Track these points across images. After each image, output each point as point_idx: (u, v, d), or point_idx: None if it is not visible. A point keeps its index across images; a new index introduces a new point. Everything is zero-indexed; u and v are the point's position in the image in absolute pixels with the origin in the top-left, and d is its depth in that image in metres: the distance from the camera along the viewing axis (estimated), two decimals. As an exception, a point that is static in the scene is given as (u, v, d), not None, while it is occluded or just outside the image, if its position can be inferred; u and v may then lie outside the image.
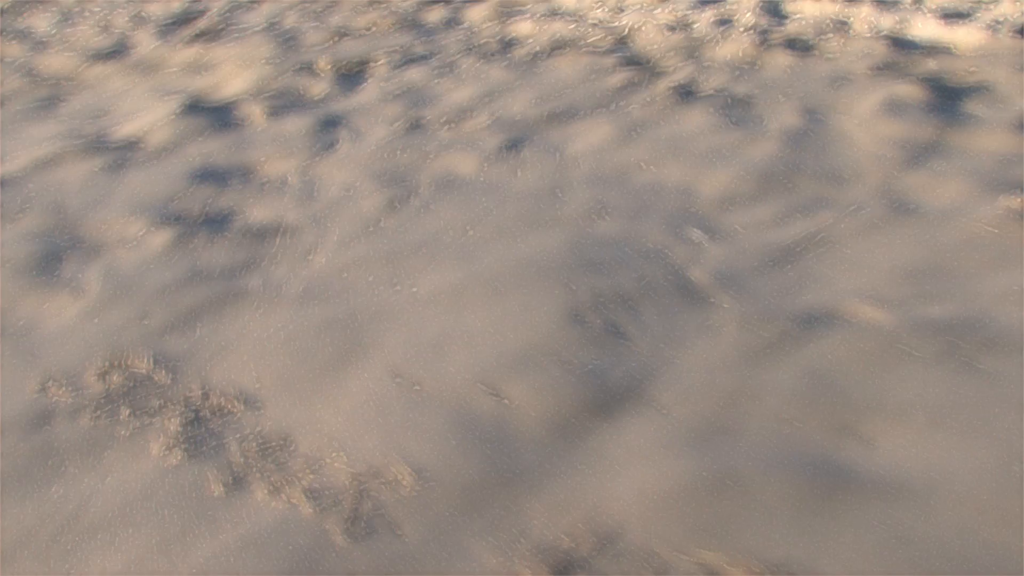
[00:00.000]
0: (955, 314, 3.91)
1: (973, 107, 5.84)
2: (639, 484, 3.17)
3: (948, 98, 6.00)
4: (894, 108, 5.85)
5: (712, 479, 3.15)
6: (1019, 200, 4.64)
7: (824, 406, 3.45)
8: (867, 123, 5.73)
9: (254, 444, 3.52)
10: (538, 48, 7.79)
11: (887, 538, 2.88)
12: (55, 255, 4.89)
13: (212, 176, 5.73)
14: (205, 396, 3.82)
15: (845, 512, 3.01)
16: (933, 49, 6.96)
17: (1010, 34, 6.92)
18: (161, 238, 5.00)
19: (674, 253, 4.53)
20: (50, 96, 7.18)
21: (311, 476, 3.34)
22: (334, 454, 3.44)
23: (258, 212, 5.27)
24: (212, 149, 6.10)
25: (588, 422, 3.49)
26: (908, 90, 6.07)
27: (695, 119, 6.04)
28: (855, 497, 3.05)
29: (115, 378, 3.95)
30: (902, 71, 6.53)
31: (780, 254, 4.47)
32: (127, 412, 3.76)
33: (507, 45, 8.01)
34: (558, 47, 7.79)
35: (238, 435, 3.58)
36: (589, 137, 5.96)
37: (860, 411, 3.42)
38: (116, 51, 8.29)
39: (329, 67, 7.44)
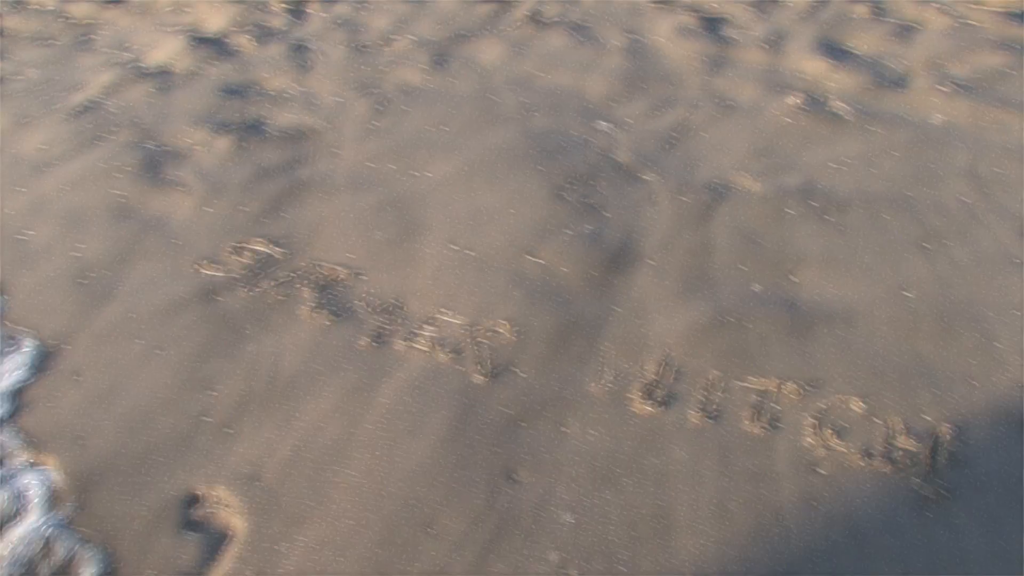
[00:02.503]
0: (800, 181, 3.70)
1: (729, 32, 5.49)
2: (674, 325, 2.84)
3: (712, 24, 5.62)
4: (684, 32, 5.46)
5: (718, 318, 2.85)
6: (794, 98, 4.40)
7: (758, 257, 3.20)
8: (672, 42, 5.33)
9: (376, 306, 2.99)
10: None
11: (846, 352, 2.67)
12: (155, 160, 4.02)
13: (234, 92, 4.84)
14: (318, 267, 3.23)
15: (813, 336, 2.77)
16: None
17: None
18: (224, 142, 4.19)
19: (596, 140, 4.10)
20: (85, 34, 5.92)
21: (431, 329, 2.86)
22: (438, 311, 2.95)
23: (282, 118, 4.48)
24: (225, 71, 5.16)
25: (607, 276, 3.13)
26: (687, 19, 5.67)
27: (557, 39, 5.49)
28: (813, 323, 2.82)
29: (246, 257, 3.29)
30: (672, 4, 6.06)
31: (666, 139, 4.11)
32: (270, 283, 3.14)
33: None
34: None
35: (358, 300, 3.04)
36: (489, 53, 5.33)
37: (782, 259, 3.18)
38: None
39: (281, 6, 6.38)
